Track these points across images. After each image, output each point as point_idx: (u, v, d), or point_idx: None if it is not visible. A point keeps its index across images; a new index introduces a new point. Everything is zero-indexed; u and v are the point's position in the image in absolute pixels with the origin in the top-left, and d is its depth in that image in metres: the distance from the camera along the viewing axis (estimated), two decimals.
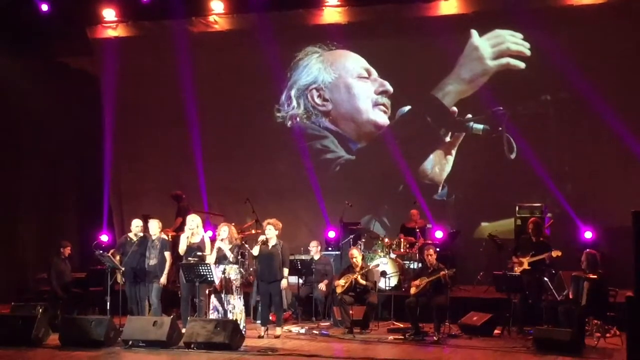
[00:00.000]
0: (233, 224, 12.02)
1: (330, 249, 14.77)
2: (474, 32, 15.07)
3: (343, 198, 14.96)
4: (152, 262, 11.51)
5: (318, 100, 16.13)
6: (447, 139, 15.40)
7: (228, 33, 16.22)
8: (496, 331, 11.36)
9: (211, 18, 16.26)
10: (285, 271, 11.40)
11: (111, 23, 16.55)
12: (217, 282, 10.94)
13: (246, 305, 11.64)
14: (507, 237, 13.72)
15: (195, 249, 11.28)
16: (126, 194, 16.97)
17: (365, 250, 13.60)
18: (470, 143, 15.22)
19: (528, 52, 14.76)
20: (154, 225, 11.69)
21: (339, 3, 15.59)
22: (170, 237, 12.58)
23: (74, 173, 16.88)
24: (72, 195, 17.00)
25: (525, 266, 11.37)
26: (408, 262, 13.90)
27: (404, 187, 15.45)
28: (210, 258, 11.13)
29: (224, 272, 11.00)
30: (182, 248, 11.34)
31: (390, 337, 11.28)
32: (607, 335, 10.65)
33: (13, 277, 15.03)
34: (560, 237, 13.22)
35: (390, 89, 15.66)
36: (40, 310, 11.32)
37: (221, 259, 11.09)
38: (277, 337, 11.22)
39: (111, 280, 11.61)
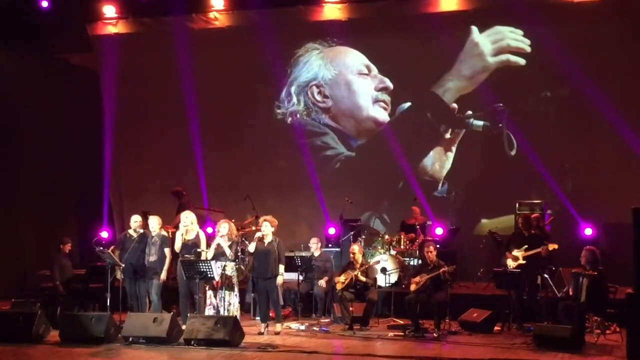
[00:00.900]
0: (233, 220, 12.02)
1: (330, 245, 14.76)
2: (474, 29, 15.08)
3: (343, 195, 14.98)
4: (152, 258, 11.51)
5: (318, 97, 16.13)
6: (447, 135, 15.41)
7: (228, 30, 16.21)
8: (496, 328, 11.37)
9: (211, 15, 16.25)
10: (281, 268, 11.40)
11: (111, 20, 16.57)
12: (217, 278, 10.95)
13: (242, 301, 11.64)
14: (507, 234, 13.67)
15: (192, 245, 11.29)
16: (126, 190, 16.99)
17: (365, 247, 13.60)
18: (470, 140, 15.23)
19: (528, 49, 14.77)
20: (154, 222, 11.69)
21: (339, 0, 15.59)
22: (170, 233, 12.58)
23: (74, 170, 16.86)
24: (72, 192, 16.99)
25: (521, 261, 11.38)
26: (408, 259, 13.91)
27: (404, 183, 15.47)
28: (208, 254, 11.14)
29: (223, 269, 11.00)
30: (177, 245, 11.37)
31: (390, 334, 11.27)
32: (607, 331, 10.64)
33: (13, 274, 15.01)
34: (560, 234, 13.21)
35: (391, 85, 15.67)
36: (40, 307, 11.33)
37: (219, 255, 11.09)
38: (277, 333, 11.23)
39: (111, 276, 11.61)
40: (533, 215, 12.53)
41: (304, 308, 12.83)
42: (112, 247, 12.37)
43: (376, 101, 15.80)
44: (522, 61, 14.83)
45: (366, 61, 15.85)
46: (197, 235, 11.41)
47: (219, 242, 11.16)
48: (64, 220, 16.48)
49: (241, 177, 16.13)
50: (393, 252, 13.75)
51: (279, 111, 16.33)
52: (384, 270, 12.90)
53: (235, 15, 16.22)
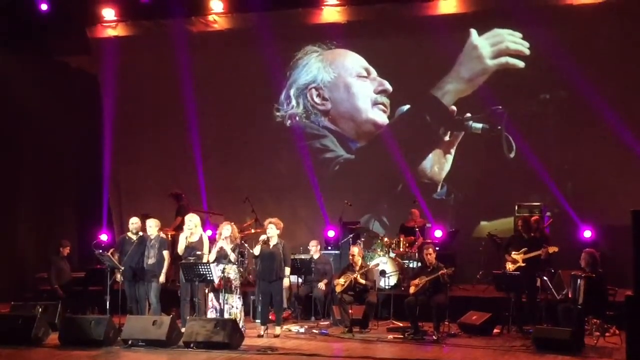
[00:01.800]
0: (232, 223, 12.02)
1: (329, 248, 14.77)
2: (473, 32, 15.08)
3: (342, 197, 14.97)
4: (151, 261, 11.50)
5: (317, 100, 16.14)
6: (446, 138, 15.41)
7: (227, 32, 16.22)
8: (495, 330, 11.38)
9: (210, 17, 16.27)
10: (287, 270, 11.40)
11: (111, 22, 16.57)
12: (216, 281, 10.94)
13: (245, 304, 11.64)
14: (506, 236, 13.67)
15: (193, 248, 11.28)
16: (125, 193, 16.99)
17: (365, 250, 13.59)
18: (469, 142, 15.23)
19: (527, 51, 14.78)
20: (153, 225, 11.68)
21: (338, 2, 15.60)
22: (169, 236, 12.57)
23: (74, 172, 16.85)
24: (72, 195, 16.97)
25: (521, 263, 11.38)
26: (407, 261, 13.91)
27: (403, 186, 15.47)
28: (210, 257, 11.13)
29: (223, 272, 10.99)
30: (180, 248, 11.35)
31: (390, 336, 11.28)
32: (607, 334, 10.65)
33: (13, 277, 15.01)
34: (560, 236, 13.21)
35: (390, 88, 15.68)
36: (40, 310, 11.32)
37: (221, 258, 11.08)
38: (277, 336, 11.22)
39: (110, 279, 11.60)
40: (532, 218, 12.53)
41: (303, 311, 12.84)
42: (111, 250, 12.36)
43: (375, 104, 15.80)
44: (521, 64, 14.84)
45: (365, 64, 15.86)
46: (201, 238, 11.41)
47: (222, 244, 11.14)
48: (64, 223, 16.48)
49: (240, 180, 16.12)
50: (392, 255, 13.75)
51: (278, 114, 16.34)
52: (383, 272, 12.92)
53: (234, 18, 16.23)
